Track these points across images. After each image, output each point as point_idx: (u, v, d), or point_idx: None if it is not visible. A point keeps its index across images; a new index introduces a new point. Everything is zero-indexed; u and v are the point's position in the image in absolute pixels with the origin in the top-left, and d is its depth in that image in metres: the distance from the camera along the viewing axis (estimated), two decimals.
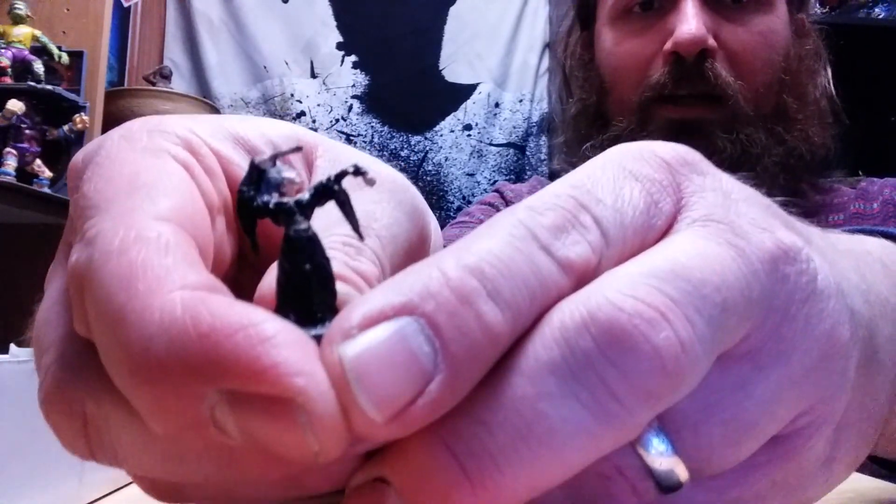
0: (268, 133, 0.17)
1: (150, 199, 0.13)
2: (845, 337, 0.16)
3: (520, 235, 0.13)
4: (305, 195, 0.13)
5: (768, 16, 0.58)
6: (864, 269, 0.19)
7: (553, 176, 0.78)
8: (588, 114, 0.64)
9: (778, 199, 0.18)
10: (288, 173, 0.13)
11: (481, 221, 0.67)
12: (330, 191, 0.13)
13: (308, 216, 0.13)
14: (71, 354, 0.13)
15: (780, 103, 0.58)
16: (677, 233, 0.15)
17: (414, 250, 0.17)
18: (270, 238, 0.14)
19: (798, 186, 0.64)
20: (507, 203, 0.71)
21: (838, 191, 0.65)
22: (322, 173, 0.15)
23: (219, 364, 0.10)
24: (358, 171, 0.13)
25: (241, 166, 0.16)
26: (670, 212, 0.15)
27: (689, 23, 0.54)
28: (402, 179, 0.18)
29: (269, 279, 0.14)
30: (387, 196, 0.16)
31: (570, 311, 0.12)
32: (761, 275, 0.14)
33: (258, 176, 0.13)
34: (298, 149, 0.15)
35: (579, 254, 0.13)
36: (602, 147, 0.60)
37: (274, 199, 0.13)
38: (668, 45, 0.55)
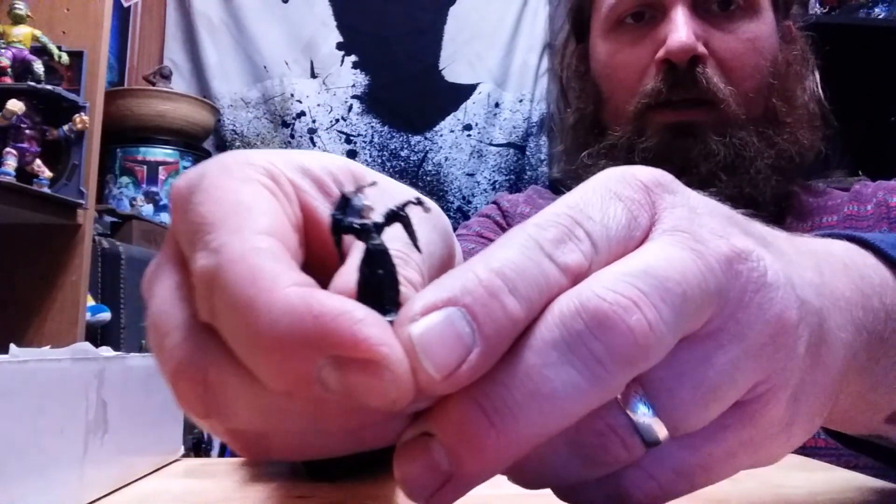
0: (328, 165, 0.21)
1: (254, 219, 0.17)
2: (793, 319, 0.19)
3: (530, 247, 0.17)
4: (380, 218, 0.17)
5: (755, 23, 0.59)
6: (823, 268, 0.22)
7: (553, 184, 0.79)
8: (585, 123, 0.66)
9: (743, 210, 0.21)
10: (366, 202, 0.17)
11: (478, 234, 0.70)
12: (398, 215, 0.17)
13: (381, 234, 0.17)
14: (194, 335, 0.17)
15: (770, 107, 0.60)
16: (651, 241, 0.18)
17: (444, 264, 0.22)
18: (323, 250, 0.19)
19: (790, 189, 0.65)
20: (504, 213, 0.72)
21: (832, 193, 0.66)
22: (373, 200, 0.19)
23: (328, 337, 0.14)
24: (419, 202, 0.18)
25: (310, 192, 0.20)
26: (646, 224, 0.19)
27: (680, 31, 0.56)
28: (436, 207, 0.22)
29: (341, 280, 0.18)
30: (426, 220, 0.20)
31: (567, 302, 0.16)
32: (717, 272, 0.18)
33: (345, 203, 0.17)
34: (374, 183, 0.19)
35: (574, 259, 0.17)
36: (600, 155, 0.62)
37: (357, 220, 0.17)
38: (660, 54, 0.57)
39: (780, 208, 0.63)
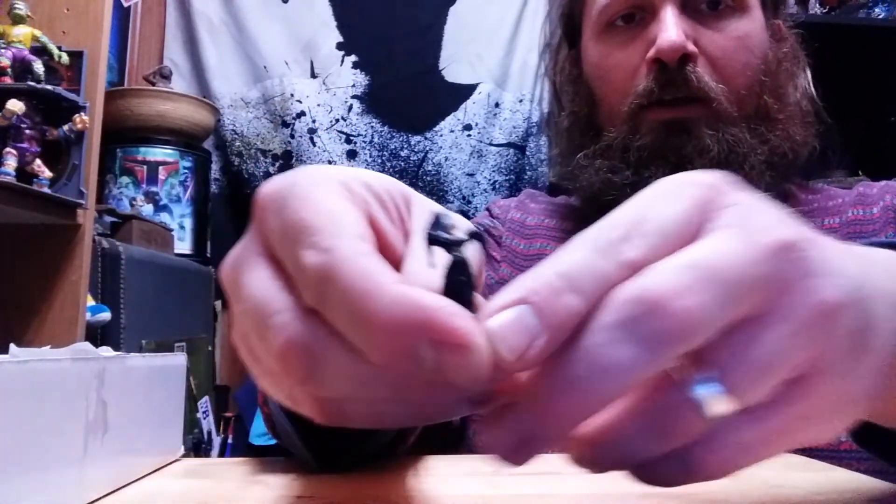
0: (384, 184, 0.25)
1: (350, 226, 0.21)
2: (838, 304, 0.21)
3: (594, 248, 0.20)
4: (463, 235, 0.21)
5: (745, 21, 0.60)
6: (866, 265, 0.24)
7: (552, 189, 0.79)
8: (580, 125, 0.66)
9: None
10: (452, 221, 0.21)
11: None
12: (477, 235, 0.22)
13: (462, 249, 0.21)
14: (302, 316, 0.20)
15: (762, 104, 0.60)
16: (707, 235, 0.21)
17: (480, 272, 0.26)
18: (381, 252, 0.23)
19: (785, 186, 0.65)
20: (495, 218, 0.73)
21: (829, 192, 0.66)
22: (416, 216, 0.24)
23: (430, 324, 0.18)
24: (487, 232, 0.27)
25: (373, 206, 0.23)
26: (703, 221, 0.21)
27: (669, 30, 0.56)
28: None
29: (431, 281, 0.21)
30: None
31: (624, 290, 0.19)
32: (764, 261, 0.20)
33: (436, 221, 0.21)
34: (463, 213, 0.23)
35: (633, 255, 0.20)
36: (595, 156, 0.62)
37: (446, 235, 0.21)
38: (650, 54, 0.57)
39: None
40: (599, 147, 0.62)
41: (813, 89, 0.66)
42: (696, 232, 0.21)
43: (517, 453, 0.20)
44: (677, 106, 0.58)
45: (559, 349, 0.19)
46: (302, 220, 0.21)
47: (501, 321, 0.19)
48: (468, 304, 0.20)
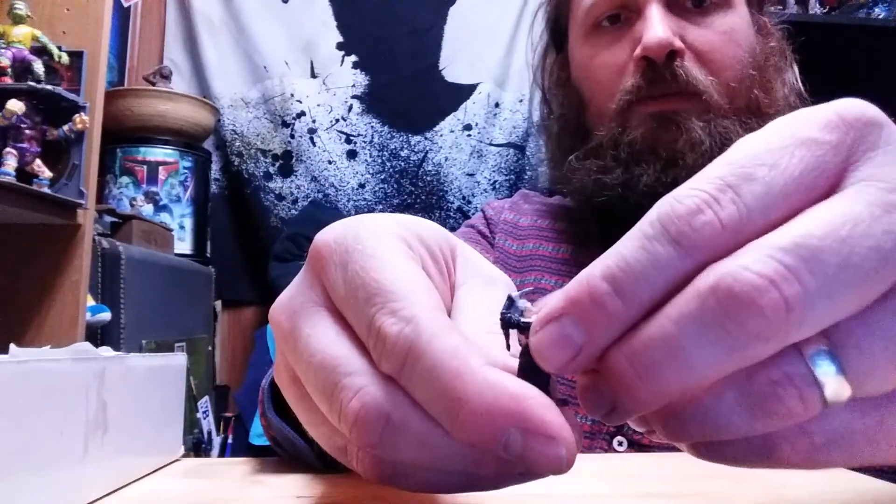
0: (435, 236, 0.25)
1: (427, 295, 0.21)
2: None
3: (651, 234, 0.18)
4: (535, 318, 0.21)
5: (730, 16, 0.60)
6: None
7: (551, 188, 0.79)
8: (570, 128, 0.66)
9: None
10: (527, 304, 0.21)
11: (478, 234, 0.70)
12: None
13: None
14: (379, 381, 0.20)
15: (752, 98, 0.60)
16: (840, 191, 0.18)
17: None
18: None
19: None
20: (488, 221, 0.73)
21: None
22: (460, 277, 0.25)
23: (523, 414, 0.18)
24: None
25: (428, 262, 0.24)
26: (836, 171, 0.18)
27: (655, 27, 0.56)
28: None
29: (509, 364, 0.21)
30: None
31: (704, 279, 0.17)
32: None
33: (510, 303, 0.21)
34: (532, 291, 0.23)
35: (708, 233, 0.17)
36: (586, 157, 0.62)
37: (520, 319, 0.21)
38: (637, 52, 0.57)
39: None
40: (589, 147, 0.62)
41: (801, 85, 0.66)
42: (825, 185, 0.18)
43: (608, 418, 0.19)
44: (667, 99, 0.57)
45: (640, 323, 0.18)
46: (375, 281, 0.21)
47: (539, 337, 0.19)
48: (545, 387, 0.20)
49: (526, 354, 0.20)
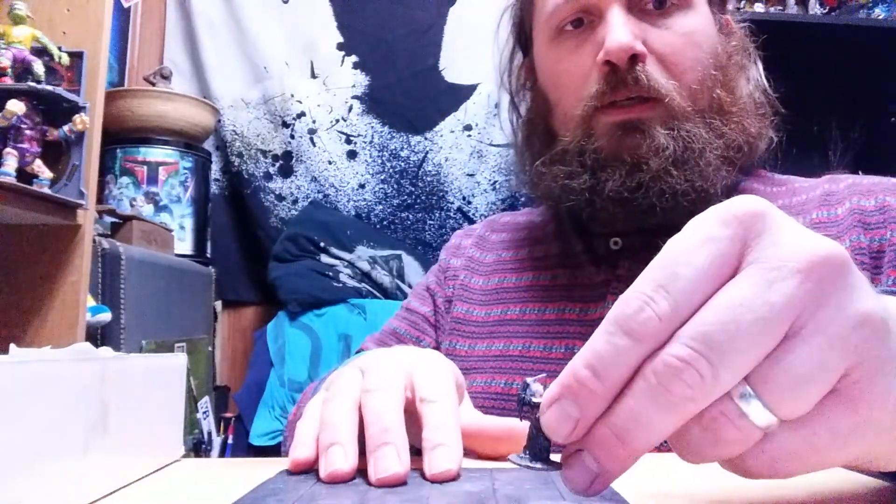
0: (456, 372, 0.39)
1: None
2: (876, 312, 0.22)
3: (612, 331, 0.23)
4: (541, 401, 0.26)
5: (691, 17, 0.60)
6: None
7: (529, 201, 0.81)
8: (537, 132, 0.67)
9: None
10: (539, 388, 0.26)
11: (409, 308, 0.74)
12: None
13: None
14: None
15: (715, 98, 0.60)
16: (737, 275, 0.23)
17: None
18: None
19: (742, 180, 0.65)
20: (444, 271, 0.75)
21: (794, 186, 0.65)
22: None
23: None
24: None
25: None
26: (737, 255, 0.23)
27: (616, 32, 0.56)
28: None
29: (518, 433, 0.30)
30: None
31: (648, 367, 0.23)
32: (792, 290, 0.22)
33: (525, 386, 0.27)
34: (545, 376, 0.28)
35: (651, 325, 0.23)
36: (553, 162, 0.63)
37: (532, 399, 0.26)
38: (600, 56, 0.57)
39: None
40: (556, 153, 0.62)
41: (765, 81, 0.66)
42: (729, 271, 0.23)
43: (591, 488, 0.24)
44: (630, 106, 0.58)
45: (611, 404, 0.24)
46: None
47: (546, 417, 0.24)
48: (547, 450, 0.26)
49: (535, 425, 0.26)
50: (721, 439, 0.23)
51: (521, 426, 0.34)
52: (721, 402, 0.23)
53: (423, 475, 0.31)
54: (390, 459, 0.30)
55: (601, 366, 0.23)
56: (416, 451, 0.33)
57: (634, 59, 0.57)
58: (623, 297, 0.24)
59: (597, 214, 0.61)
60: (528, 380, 0.27)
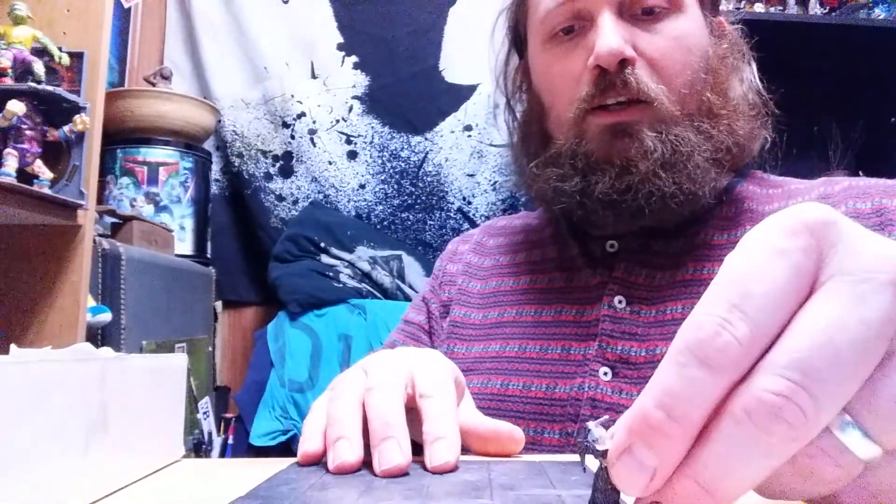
0: (456, 372, 0.39)
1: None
2: None
3: (684, 362, 0.20)
4: (608, 446, 0.23)
5: (681, 21, 0.60)
6: None
7: (529, 201, 0.81)
8: (532, 135, 0.68)
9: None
10: (600, 434, 0.23)
11: (423, 302, 0.75)
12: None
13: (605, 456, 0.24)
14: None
15: (704, 101, 0.61)
16: (816, 293, 0.21)
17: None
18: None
19: (732, 182, 0.65)
20: (441, 282, 0.76)
21: (790, 188, 0.65)
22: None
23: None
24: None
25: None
26: (813, 270, 0.21)
27: (606, 37, 0.57)
28: None
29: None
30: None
31: (737, 405, 0.20)
32: (884, 304, 0.20)
33: (587, 432, 0.23)
34: (608, 420, 0.24)
35: (732, 352, 0.20)
36: (546, 165, 0.63)
37: (595, 446, 0.23)
38: (590, 61, 0.58)
39: (724, 203, 0.64)
40: (549, 155, 0.63)
41: (759, 82, 0.66)
42: (806, 287, 0.21)
43: None
44: (619, 109, 0.58)
45: (691, 449, 0.21)
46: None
47: (616, 469, 0.22)
48: (616, 499, 0.24)
49: (601, 477, 0.23)
50: (818, 478, 0.21)
51: (507, 428, 0.37)
52: (819, 438, 0.20)
53: (424, 467, 0.33)
54: (393, 452, 0.32)
55: (676, 404, 0.20)
56: (417, 448, 0.34)
57: (624, 63, 0.57)
58: (691, 320, 0.21)
59: (588, 217, 0.61)
60: (590, 425, 0.24)
